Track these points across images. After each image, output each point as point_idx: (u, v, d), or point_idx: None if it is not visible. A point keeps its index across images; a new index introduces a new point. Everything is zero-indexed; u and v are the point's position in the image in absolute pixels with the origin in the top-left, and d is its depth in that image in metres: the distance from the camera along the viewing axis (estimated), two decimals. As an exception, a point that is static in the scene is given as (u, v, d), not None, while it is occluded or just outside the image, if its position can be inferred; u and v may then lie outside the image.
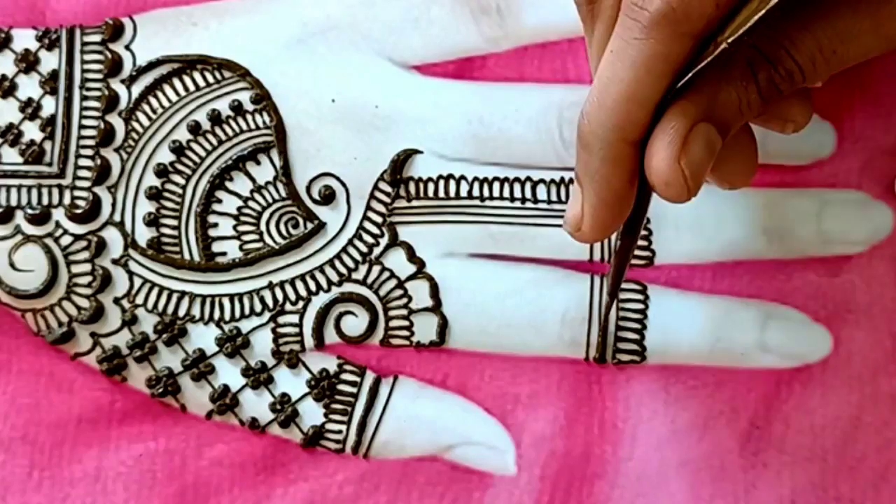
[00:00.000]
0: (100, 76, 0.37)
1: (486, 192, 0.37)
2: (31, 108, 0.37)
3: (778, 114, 0.31)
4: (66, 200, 0.37)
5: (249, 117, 0.37)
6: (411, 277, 0.37)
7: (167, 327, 0.37)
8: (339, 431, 0.36)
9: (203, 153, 0.37)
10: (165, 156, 0.37)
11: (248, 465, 0.36)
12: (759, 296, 0.36)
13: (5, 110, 0.37)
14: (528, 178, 0.36)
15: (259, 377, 0.36)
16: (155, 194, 0.37)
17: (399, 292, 0.37)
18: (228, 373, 0.37)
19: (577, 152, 0.29)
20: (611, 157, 0.28)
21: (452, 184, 0.37)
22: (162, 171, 0.37)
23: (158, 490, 0.36)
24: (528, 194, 0.36)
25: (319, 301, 0.37)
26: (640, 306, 0.36)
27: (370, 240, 0.37)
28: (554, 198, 0.36)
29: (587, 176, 0.29)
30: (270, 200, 0.37)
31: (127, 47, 0.37)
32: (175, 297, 0.37)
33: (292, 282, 0.37)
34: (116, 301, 0.37)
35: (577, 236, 0.30)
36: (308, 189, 0.37)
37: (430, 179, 0.37)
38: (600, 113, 0.28)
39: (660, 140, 0.27)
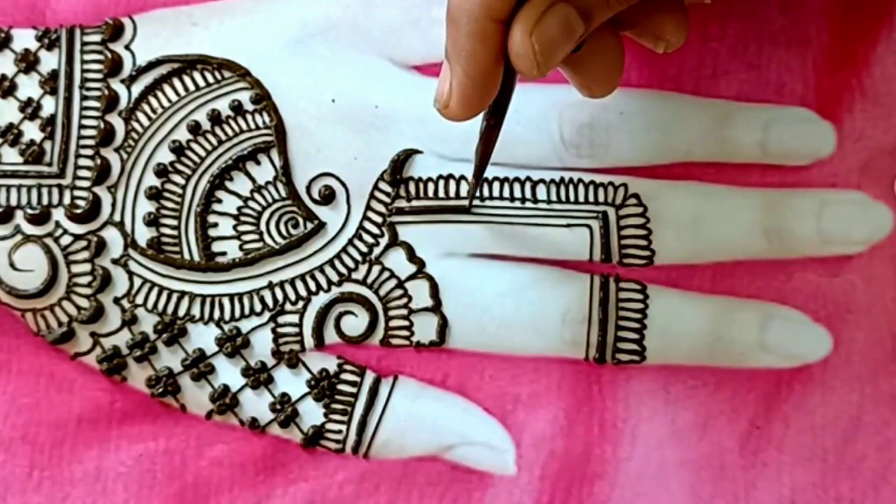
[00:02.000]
0: (100, 76, 0.37)
1: (486, 192, 0.37)
2: (31, 108, 0.37)
3: (652, 29, 0.32)
4: (66, 200, 0.37)
5: (249, 117, 0.37)
6: (411, 277, 0.37)
7: (167, 327, 0.37)
8: (339, 431, 0.36)
9: (203, 153, 0.37)
10: (165, 156, 0.37)
11: (248, 465, 0.36)
12: (759, 296, 0.36)
13: (5, 110, 0.37)
14: (528, 178, 0.36)
15: (259, 377, 0.36)
16: (155, 194, 0.37)
17: (399, 292, 0.37)
18: (228, 373, 0.37)
19: (446, 29, 0.29)
20: (477, 32, 0.29)
21: (452, 184, 0.37)
22: (162, 171, 0.37)
23: (158, 490, 0.36)
24: (528, 194, 0.36)
25: (319, 301, 0.37)
26: (640, 306, 0.36)
27: (370, 240, 0.37)
28: (554, 198, 0.36)
29: (455, 52, 0.29)
30: (270, 200, 0.37)
31: (127, 47, 0.37)
32: (175, 296, 0.37)
33: (292, 282, 0.37)
34: (116, 301, 0.37)
35: (444, 113, 0.30)
36: (308, 189, 0.37)
37: (430, 179, 0.37)
38: None
39: (519, 15, 0.29)
